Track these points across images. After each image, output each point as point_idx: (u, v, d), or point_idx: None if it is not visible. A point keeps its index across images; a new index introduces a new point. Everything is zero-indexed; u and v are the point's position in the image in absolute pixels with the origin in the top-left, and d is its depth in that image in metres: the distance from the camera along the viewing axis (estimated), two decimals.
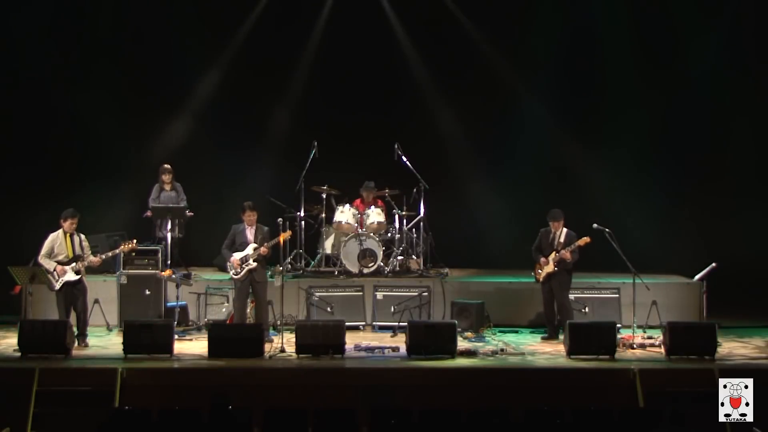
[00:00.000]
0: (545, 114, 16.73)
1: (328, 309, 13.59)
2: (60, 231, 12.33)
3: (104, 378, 10.66)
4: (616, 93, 16.65)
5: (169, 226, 14.15)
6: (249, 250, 12.78)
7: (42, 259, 12.26)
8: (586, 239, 12.71)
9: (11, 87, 16.15)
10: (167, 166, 14.82)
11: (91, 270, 12.89)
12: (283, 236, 12.94)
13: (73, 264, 12.24)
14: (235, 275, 12.80)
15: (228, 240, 12.99)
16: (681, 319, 13.04)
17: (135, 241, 12.96)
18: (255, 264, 12.76)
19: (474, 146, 16.91)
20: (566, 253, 12.71)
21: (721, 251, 14.58)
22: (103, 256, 12.64)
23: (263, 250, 12.74)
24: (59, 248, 12.27)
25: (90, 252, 12.46)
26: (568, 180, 16.67)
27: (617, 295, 13.76)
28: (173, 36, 16.23)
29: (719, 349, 11.88)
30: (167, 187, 14.73)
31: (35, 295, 12.48)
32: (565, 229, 12.96)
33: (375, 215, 14.74)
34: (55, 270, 12.19)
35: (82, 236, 12.49)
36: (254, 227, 12.93)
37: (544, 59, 16.70)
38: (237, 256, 12.79)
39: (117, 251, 12.83)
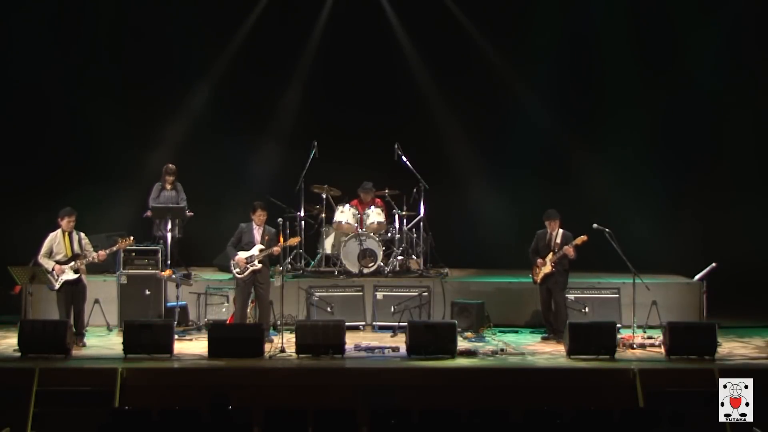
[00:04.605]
0: (545, 114, 16.72)
1: (328, 309, 13.59)
2: (59, 231, 12.34)
3: (104, 378, 10.67)
4: (615, 92, 16.65)
5: (168, 226, 14.14)
6: (255, 250, 12.76)
7: (41, 259, 12.27)
8: (583, 238, 12.72)
9: (11, 87, 16.15)
10: (172, 166, 14.80)
11: (91, 270, 12.89)
12: (292, 241, 13.05)
13: (72, 263, 12.24)
14: (239, 274, 12.79)
15: (234, 238, 12.97)
16: (681, 319, 13.05)
17: (132, 237, 12.96)
18: (260, 265, 12.74)
19: (474, 146, 16.92)
20: (569, 249, 12.71)
21: (722, 251, 14.59)
22: (108, 251, 12.60)
23: (276, 249, 12.72)
24: (58, 247, 12.27)
25: (91, 249, 12.45)
26: (568, 180, 16.67)
27: (617, 295, 13.77)
28: (173, 36, 16.22)
29: (719, 349, 11.88)
30: (168, 186, 14.72)
31: (35, 295, 12.48)
32: (561, 230, 12.99)
33: (375, 215, 14.74)
34: (54, 269, 12.20)
35: (82, 234, 12.48)
36: (262, 228, 12.92)
37: (544, 59, 16.69)
38: (242, 255, 12.77)
39: (115, 248, 12.79)
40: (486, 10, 16.53)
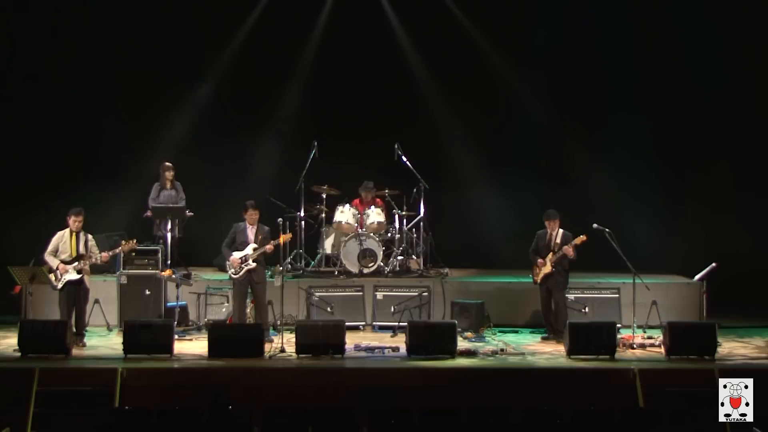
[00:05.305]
0: (545, 114, 16.72)
1: (328, 309, 13.58)
2: (67, 230, 12.36)
3: (104, 378, 10.67)
4: (615, 92, 16.65)
5: (168, 226, 14.14)
6: (248, 250, 12.77)
7: (47, 256, 12.29)
8: (582, 237, 12.72)
9: (11, 87, 16.16)
10: (169, 163, 14.81)
11: (91, 270, 12.88)
12: (284, 238, 12.94)
13: (75, 263, 12.24)
14: (234, 275, 12.80)
15: (228, 238, 12.98)
16: (681, 319, 13.04)
17: (135, 240, 12.99)
18: (254, 264, 12.75)
19: (474, 146, 16.91)
20: (569, 248, 12.71)
21: (722, 251, 14.59)
22: (110, 253, 12.63)
23: (269, 248, 12.72)
24: (63, 246, 12.29)
25: (97, 251, 12.46)
26: (568, 180, 16.66)
27: (617, 295, 13.76)
28: (173, 37, 16.21)
29: (719, 349, 11.89)
30: (168, 185, 14.72)
31: (35, 295, 12.49)
32: (560, 230, 12.99)
33: (375, 215, 14.74)
34: (57, 268, 12.21)
35: (89, 236, 12.51)
36: (255, 226, 12.92)
37: (545, 59, 16.69)
38: (236, 255, 12.78)
39: (117, 250, 12.84)
40: (486, 10, 16.52)
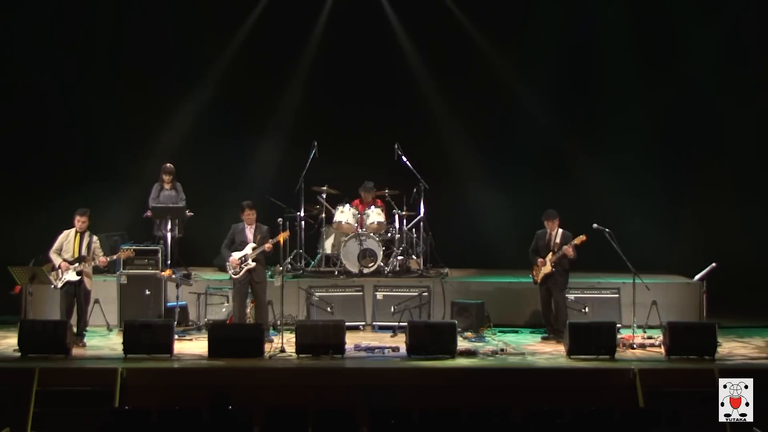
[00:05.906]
0: (545, 114, 16.72)
1: (328, 309, 13.58)
2: (73, 229, 12.38)
3: (104, 378, 10.68)
4: (616, 92, 16.66)
5: (169, 226, 14.14)
6: (248, 249, 12.78)
7: (51, 254, 12.33)
8: (582, 237, 12.72)
9: (12, 87, 16.16)
10: (169, 165, 14.82)
11: (92, 270, 12.90)
12: (283, 236, 12.91)
13: (76, 264, 12.25)
14: (234, 275, 12.80)
15: (227, 239, 12.99)
16: (681, 319, 13.04)
17: (133, 250, 13.03)
18: (254, 264, 12.76)
19: (474, 146, 16.91)
20: (569, 248, 12.71)
21: (722, 251, 14.59)
22: (109, 258, 12.65)
23: (268, 246, 12.71)
24: (67, 246, 12.31)
25: (100, 254, 12.45)
26: (569, 180, 16.65)
27: (617, 295, 13.76)
28: (173, 37, 16.21)
29: (719, 349, 11.89)
30: (167, 186, 14.73)
31: (35, 295, 12.50)
32: (560, 230, 12.99)
33: (375, 215, 14.74)
34: (59, 266, 12.21)
35: (94, 237, 12.53)
36: (253, 226, 12.94)
37: (545, 59, 16.69)
38: (236, 255, 12.79)
39: (115, 257, 12.86)
40: (486, 10, 16.52)
